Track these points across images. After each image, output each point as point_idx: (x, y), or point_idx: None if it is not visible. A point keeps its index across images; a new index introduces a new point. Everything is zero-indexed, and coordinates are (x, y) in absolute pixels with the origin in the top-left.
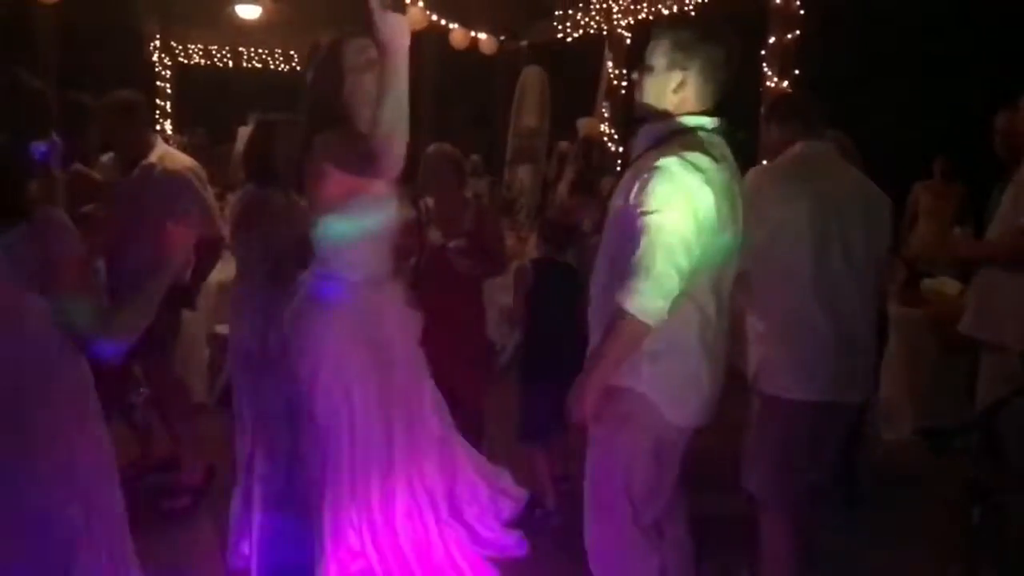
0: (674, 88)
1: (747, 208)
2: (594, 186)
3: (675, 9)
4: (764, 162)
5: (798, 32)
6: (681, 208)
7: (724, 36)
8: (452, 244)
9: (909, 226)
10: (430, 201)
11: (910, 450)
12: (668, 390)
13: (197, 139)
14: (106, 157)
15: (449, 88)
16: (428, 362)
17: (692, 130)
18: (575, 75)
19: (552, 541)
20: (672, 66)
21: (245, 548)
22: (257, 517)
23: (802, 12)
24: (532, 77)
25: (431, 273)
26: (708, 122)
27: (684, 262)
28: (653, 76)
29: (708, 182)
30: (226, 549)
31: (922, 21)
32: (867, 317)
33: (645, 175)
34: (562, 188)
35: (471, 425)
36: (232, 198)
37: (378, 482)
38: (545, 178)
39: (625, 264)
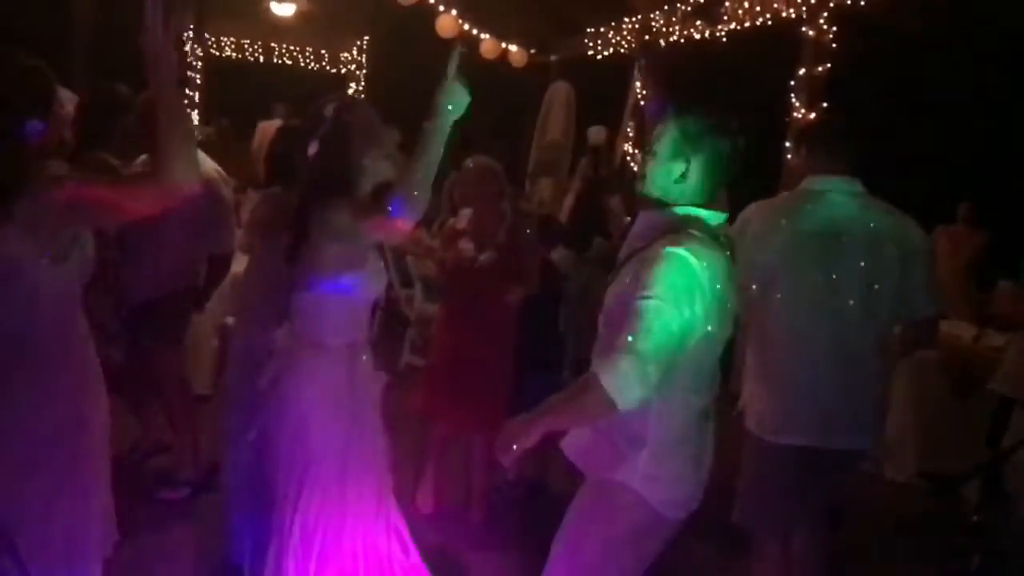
0: (676, 179)
1: (736, 239)
2: (600, 198)
3: (706, 35)
4: (785, 192)
5: (828, 65)
6: (682, 301)
7: (731, 130)
8: (483, 257)
9: None
10: (467, 212)
11: (912, 492)
12: (664, 488)
13: (222, 131)
14: (140, 160)
15: (476, 97)
16: (462, 373)
17: (694, 222)
18: (602, 92)
19: None
20: (676, 156)
21: (245, 543)
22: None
23: (834, 45)
24: (559, 92)
25: (463, 285)
26: (710, 216)
27: (672, 356)
28: (657, 163)
29: (711, 277)
30: (227, 544)
31: (956, 58)
32: (862, 361)
33: (649, 259)
34: (568, 200)
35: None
36: (254, 196)
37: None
38: (565, 193)
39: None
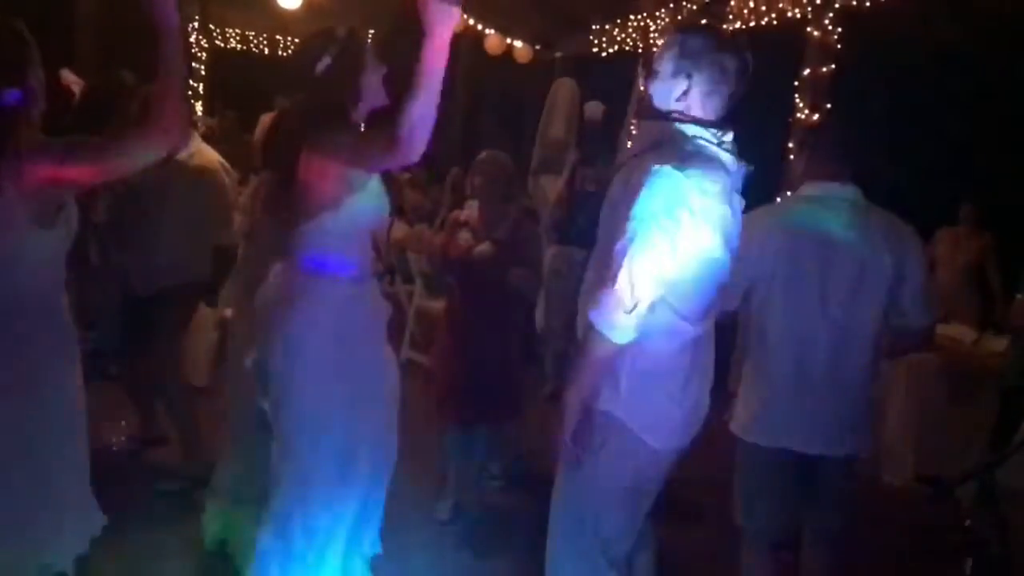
0: (678, 96)
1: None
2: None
3: None
4: (788, 192)
5: (833, 66)
6: (667, 220)
7: (733, 47)
8: (478, 249)
9: None
10: (473, 204)
11: (909, 496)
12: (648, 415)
13: (227, 123)
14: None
15: (480, 93)
16: (468, 361)
17: (691, 139)
18: (607, 89)
19: None
20: (677, 72)
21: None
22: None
23: (839, 46)
24: (563, 89)
25: (462, 278)
26: (709, 134)
27: (658, 277)
28: (659, 81)
29: (702, 196)
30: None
31: (962, 60)
32: (855, 368)
33: (637, 178)
34: (564, 175)
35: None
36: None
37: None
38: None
39: (604, 267)
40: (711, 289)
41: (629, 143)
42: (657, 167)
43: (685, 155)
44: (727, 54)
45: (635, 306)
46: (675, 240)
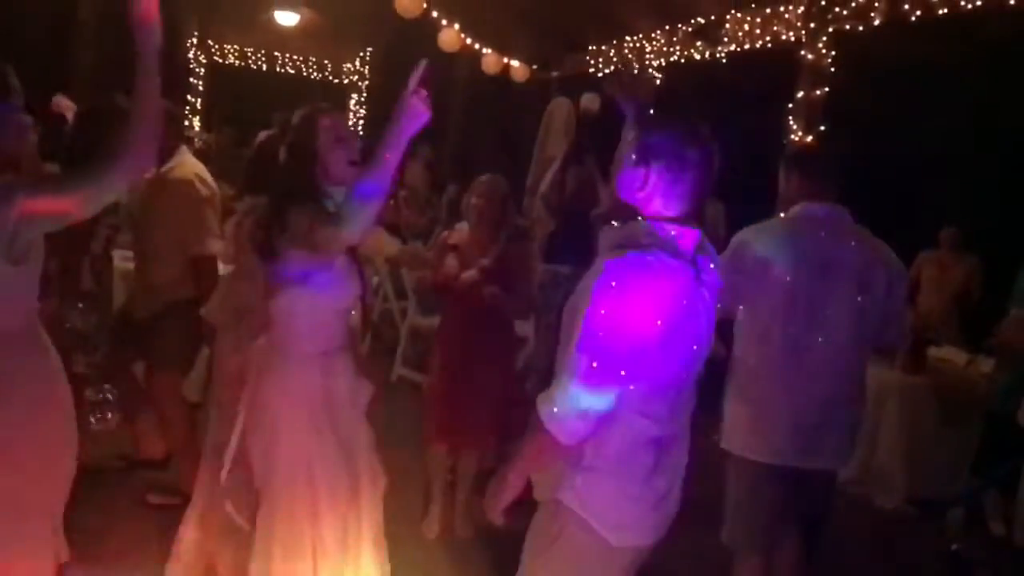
0: (639, 185)
1: (728, 262)
2: (585, 163)
3: (707, 55)
4: (782, 213)
5: (827, 88)
6: (622, 316)
7: (699, 138)
8: (465, 275)
9: (909, 297)
10: (462, 227)
11: (901, 519)
12: (602, 509)
13: (224, 138)
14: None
15: (477, 111)
16: (455, 391)
17: (653, 234)
18: (603, 109)
19: None
20: (639, 162)
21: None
22: None
23: (832, 69)
24: (560, 108)
25: (451, 302)
26: (664, 238)
27: (612, 374)
28: (622, 170)
29: (660, 290)
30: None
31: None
32: (846, 384)
33: (592, 277)
34: (554, 165)
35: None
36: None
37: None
38: None
39: (561, 367)
40: (674, 387)
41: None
42: (610, 263)
43: (643, 250)
44: (686, 145)
45: (587, 409)
46: (631, 336)
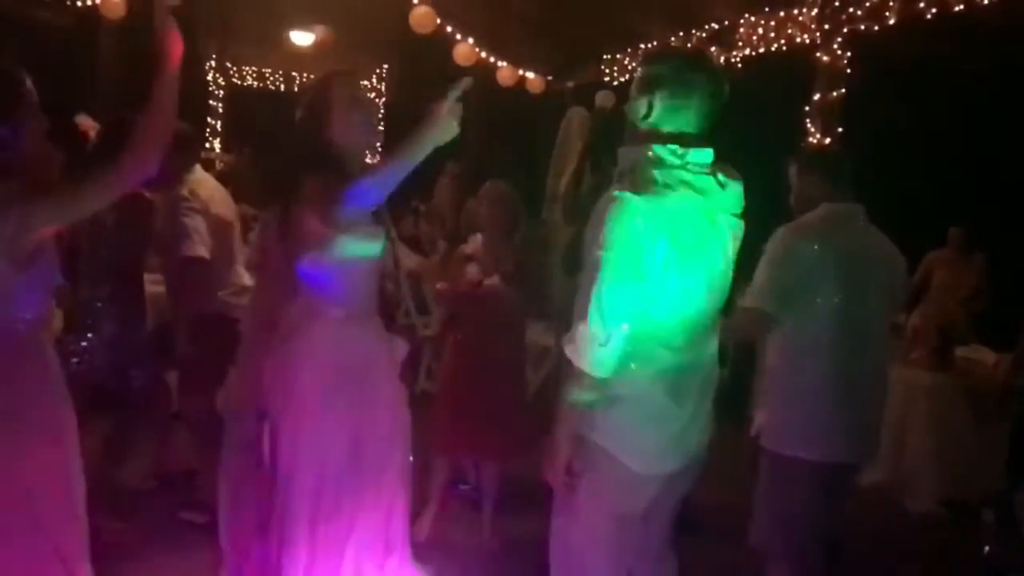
0: (643, 115)
1: (777, 264)
2: (602, 161)
3: (722, 60)
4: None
5: (843, 90)
6: (629, 247)
7: (697, 62)
8: (487, 282)
9: (916, 298)
10: (477, 238)
11: (933, 522)
12: (625, 439)
13: (244, 159)
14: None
15: (494, 124)
16: (470, 402)
17: (657, 160)
18: (619, 117)
19: None
20: (641, 94)
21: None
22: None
23: (848, 71)
24: (576, 118)
25: (469, 312)
26: (672, 153)
27: (627, 306)
28: (629, 104)
29: (667, 220)
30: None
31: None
32: (880, 379)
33: (602, 209)
34: (571, 165)
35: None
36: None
37: (339, 533)
38: None
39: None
40: (690, 313)
41: None
42: (617, 194)
43: (646, 180)
44: (690, 69)
45: (608, 338)
46: (640, 267)
